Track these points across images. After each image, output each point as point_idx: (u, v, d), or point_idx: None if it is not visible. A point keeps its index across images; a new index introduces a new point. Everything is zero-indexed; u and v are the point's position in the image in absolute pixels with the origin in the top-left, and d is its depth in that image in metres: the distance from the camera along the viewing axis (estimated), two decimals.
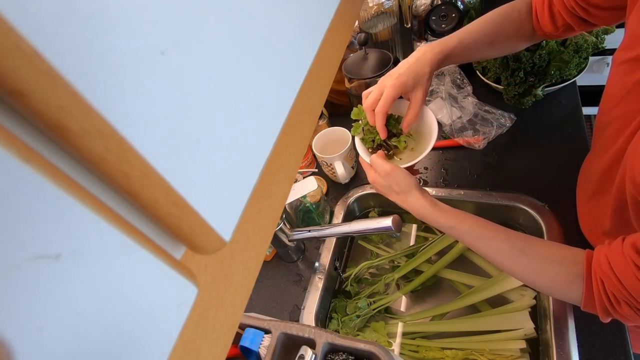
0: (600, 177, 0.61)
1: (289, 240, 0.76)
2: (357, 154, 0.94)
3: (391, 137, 0.66)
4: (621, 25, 0.58)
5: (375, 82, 0.86)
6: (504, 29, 0.66)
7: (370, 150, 0.68)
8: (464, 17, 0.96)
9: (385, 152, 0.67)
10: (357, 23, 1.03)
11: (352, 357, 0.55)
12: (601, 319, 0.48)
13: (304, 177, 0.89)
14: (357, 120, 0.69)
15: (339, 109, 1.08)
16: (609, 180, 0.58)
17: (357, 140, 0.68)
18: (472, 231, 0.55)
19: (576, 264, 0.48)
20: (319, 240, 0.87)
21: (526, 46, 0.72)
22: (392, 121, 0.66)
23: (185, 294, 0.19)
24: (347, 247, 0.93)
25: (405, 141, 0.66)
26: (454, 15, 0.96)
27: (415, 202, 0.59)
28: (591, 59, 0.91)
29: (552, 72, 0.86)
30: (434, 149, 0.93)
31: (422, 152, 0.62)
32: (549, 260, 0.50)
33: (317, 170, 0.98)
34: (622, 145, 0.53)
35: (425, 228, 0.91)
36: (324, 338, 0.55)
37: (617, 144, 0.54)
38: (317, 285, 0.80)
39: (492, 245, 0.54)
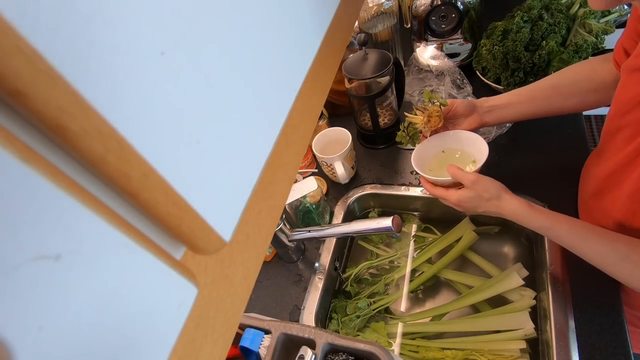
0: (605, 179, 0.61)
1: (289, 241, 0.76)
2: (357, 155, 0.94)
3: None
4: (621, 26, 0.58)
5: (375, 82, 0.87)
6: (570, 81, 0.67)
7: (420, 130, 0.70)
8: (464, 17, 0.96)
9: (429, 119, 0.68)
10: (357, 23, 1.03)
11: (352, 358, 0.55)
12: None
13: (304, 177, 0.89)
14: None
15: (339, 109, 1.08)
16: (614, 183, 0.58)
17: (416, 163, 0.68)
18: (572, 232, 0.55)
19: None
20: (319, 241, 0.87)
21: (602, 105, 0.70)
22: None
23: (185, 294, 0.19)
24: (347, 247, 0.93)
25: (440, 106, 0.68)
26: (453, 15, 0.96)
27: (508, 204, 0.58)
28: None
29: (552, 72, 0.86)
30: None
31: (480, 159, 0.65)
32: None
33: (317, 170, 0.98)
34: (632, 151, 0.53)
35: (425, 228, 0.91)
36: (323, 338, 0.55)
37: (627, 149, 0.54)
38: (317, 286, 0.80)
39: (592, 248, 0.53)
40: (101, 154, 0.14)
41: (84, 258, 0.14)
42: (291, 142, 0.29)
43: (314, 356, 0.54)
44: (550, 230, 0.56)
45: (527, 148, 0.87)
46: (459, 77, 0.99)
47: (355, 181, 0.95)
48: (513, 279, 0.71)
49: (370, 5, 1.00)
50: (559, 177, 0.80)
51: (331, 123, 1.01)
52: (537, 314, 0.71)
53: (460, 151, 0.72)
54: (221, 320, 0.22)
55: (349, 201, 0.92)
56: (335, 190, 0.95)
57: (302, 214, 0.85)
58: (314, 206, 0.83)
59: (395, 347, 0.76)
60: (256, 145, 0.24)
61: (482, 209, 0.61)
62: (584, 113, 0.91)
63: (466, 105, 0.70)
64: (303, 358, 0.53)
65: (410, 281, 0.83)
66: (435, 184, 0.66)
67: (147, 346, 0.17)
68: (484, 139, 0.89)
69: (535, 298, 0.71)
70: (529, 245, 0.82)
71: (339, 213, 0.90)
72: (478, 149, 0.68)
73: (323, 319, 0.80)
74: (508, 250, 0.84)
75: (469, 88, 0.98)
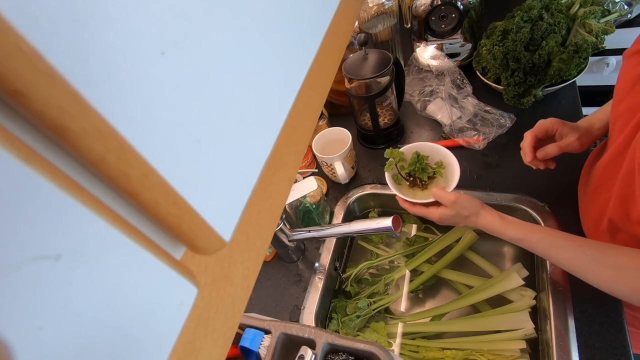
0: (602, 173, 0.61)
1: (289, 241, 0.76)
2: (357, 155, 0.94)
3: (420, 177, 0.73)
4: (622, 26, 0.58)
5: (375, 82, 0.87)
6: None
7: (408, 184, 0.74)
8: (464, 17, 0.96)
9: (421, 183, 0.73)
10: (357, 23, 1.03)
11: (352, 358, 0.55)
12: None
13: (304, 177, 0.89)
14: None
15: (339, 109, 1.08)
16: (610, 175, 0.58)
17: (392, 185, 0.72)
18: (543, 241, 0.57)
19: None
20: (319, 241, 0.87)
21: None
22: (419, 166, 0.72)
23: (185, 294, 0.19)
24: (347, 247, 0.93)
25: (435, 173, 0.72)
26: (453, 15, 0.96)
27: (484, 220, 0.63)
28: (591, 59, 0.91)
29: (552, 72, 0.86)
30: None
31: (452, 182, 0.69)
32: (623, 268, 0.50)
33: (317, 170, 0.98)
34: (624, 139, 0.53)
35: (425, 228, 0.91)
36: (324, 338, 0.55)
37: (619, 138, 0.54)
38: (317, 286, 0.80)
39: (563, 254, 0.55)
40: (101, 154, 0.14)
41: (84, 258, 0.14)
42: (291, 142, 0.29)
43: (314, 356, 0.54)
44: (522, 241, 0.59)
45: None
46: (459, 77, 0.99)
47: (355, 181, 0.95)
48: (513, 279, 0.71)
49: (370, 5, 1.00)
50: (559, 177, 0.80)
51: (331, 123, 1.01)
52: (537, 314, 0.71)
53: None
54: (221, 320, 0.22)
55: (349, 201, 0.92)
56: (335, 190, 0.95)
57: (302, 214, 0.85)
58: (314, 206, 0.83)
59: (395, 347, 0.76)
60: (256, 145, 0.24)
61: (463, 224, 0.66)
62: (584, 113, 0.91)
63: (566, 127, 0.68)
64: (303, 358, 0.53)
65: (410, 281, 0.83)
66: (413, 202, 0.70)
67: (147, 346, 0.17)
68: (484, 139, 0.89)
69: (535, 298, 0.71)
70: None
71: (339, 213, 0.90)
72: (450, 173, 0.71)
73: (323, 319, 0.80)
74: (508, 250, 0.84)
75: (469, 88, 0.98)
